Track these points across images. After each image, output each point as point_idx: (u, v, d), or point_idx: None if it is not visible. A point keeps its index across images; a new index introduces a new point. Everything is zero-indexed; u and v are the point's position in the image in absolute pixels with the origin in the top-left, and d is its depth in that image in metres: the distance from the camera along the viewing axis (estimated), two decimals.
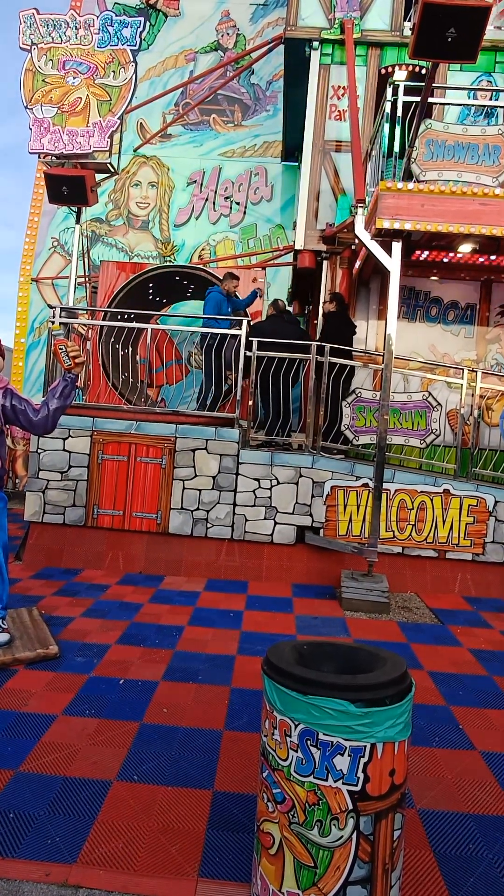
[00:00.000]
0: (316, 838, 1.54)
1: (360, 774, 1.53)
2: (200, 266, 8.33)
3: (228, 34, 10.33)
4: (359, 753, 1.53)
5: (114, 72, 5.91)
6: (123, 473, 5.40)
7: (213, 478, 5.32)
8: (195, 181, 10.13)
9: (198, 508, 5.32)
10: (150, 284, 7.48)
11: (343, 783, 1.53)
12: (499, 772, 2.41)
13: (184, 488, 5.35)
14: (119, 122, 5.85)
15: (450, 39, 3.76)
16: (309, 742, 1.55)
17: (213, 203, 10.08)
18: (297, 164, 9.16)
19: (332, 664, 1.84)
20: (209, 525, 5.29)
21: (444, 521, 5.12)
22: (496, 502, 5.10)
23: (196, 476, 5.34)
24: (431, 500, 5.14)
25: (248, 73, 10.05)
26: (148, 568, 5.32)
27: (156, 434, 5.38)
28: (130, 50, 5.92)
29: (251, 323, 5.77)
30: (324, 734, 1.54)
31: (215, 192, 10.06)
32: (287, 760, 1.59)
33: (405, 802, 1.65)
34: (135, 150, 9.98)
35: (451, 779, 2.37)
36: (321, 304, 6.68)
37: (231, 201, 9.84)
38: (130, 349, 6.86)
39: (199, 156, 10.19)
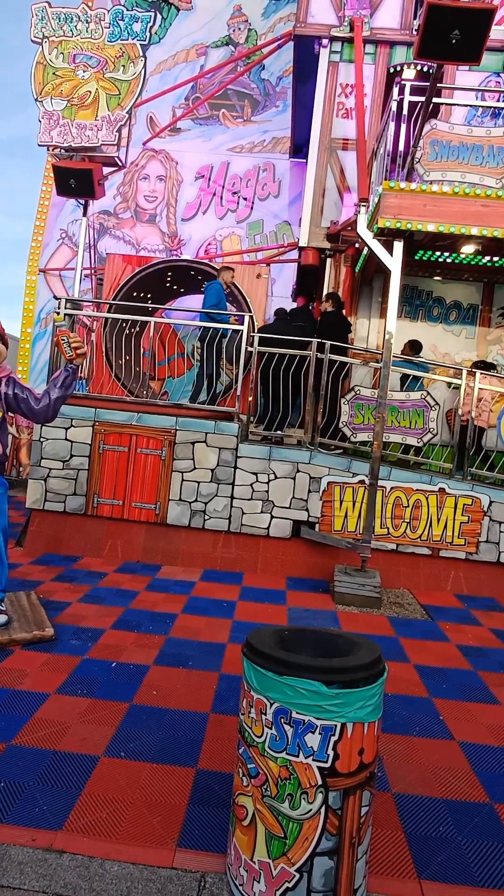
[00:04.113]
0: (287, 811, 1.62)
1: (330, 752, 1.60)
2: (205, 261, 8.39)
3: (240, 29, 10.33)
4: (329, 732, 1.61)
5: (123, 66, 5.96)
6: (124, 464, 5.49)
7: (212, 470, 5.39)
8: (203, 176, 10.17)
9: (196, 500, 5.40)
10: (169, 274, 7.54)
11: (314, 760, 1.61)
12: (474, 761, 2.49)
13: (183, 480, 5.43)
14: (127, 116, 5.90)
15: (454, 41, 3.80)
16: (283, 720, 1.63)
17: (221, 198, 10.12)
18: (305, 160, 9.18)
19: (312, 649, 1.92)
20: (207, 517, 5.37)
21: (438, 520, 5.18)
22: (491, 502, 5.15)
23: (195, 468, 5.42)
24: (427, 498, 5.19)
25: (259, 69, 10.06)
26: (145, 557, 5.42)
27: (157, 426, 5.46)
28: (140, 45, 5.97)
29: (259, 327, 5.86)
30: (297, 713, 1.61)
31: (223, 187, 10.10)
32: (262, 737, 1.67)
33: (374, 781, 1.72)
34: (144, 144, 10.02)
35: (427, 766, 2.44)
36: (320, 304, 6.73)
37: (238, 197, 9.88)
38: (134, 341, 6.94)
39: (208, 150, 10.22)
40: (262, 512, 5.34)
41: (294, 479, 5.32)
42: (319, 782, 1.60)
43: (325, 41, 6.82)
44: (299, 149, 9.53)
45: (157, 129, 10.02)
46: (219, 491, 5.38)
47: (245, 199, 9.98)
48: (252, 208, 10.04)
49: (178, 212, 10.17)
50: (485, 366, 6.06)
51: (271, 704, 1.65)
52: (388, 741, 2.56)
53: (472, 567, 5.15)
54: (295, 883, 1.61)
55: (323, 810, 1.60)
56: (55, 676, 2.99)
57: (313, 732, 1.61)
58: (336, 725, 1.61)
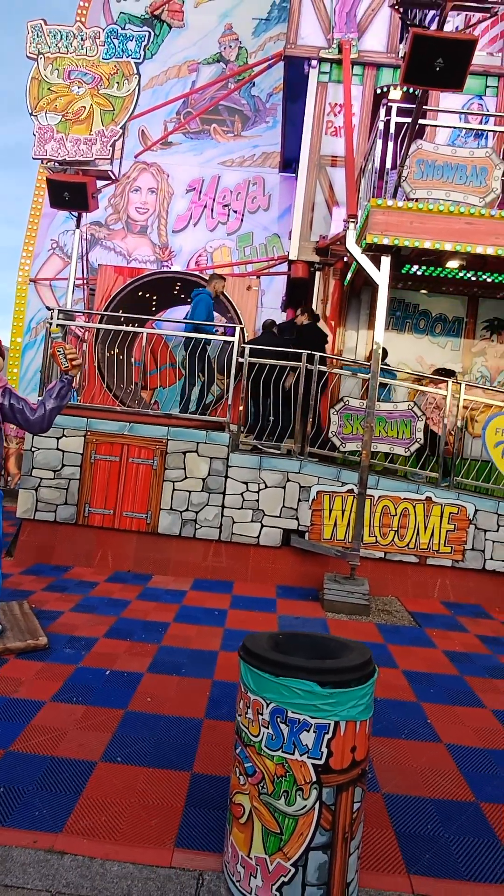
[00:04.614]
0: (282, 807, 1.68)
1: (324, 749, 1.68)
2: (196, 273, 8.50)
3: (231, 46, 10.56)
4: (323, 730, 1.68)
5: (118, 83, 6.08)
6: (115, 473, 5.53)
7: (203, 480, 5.46)
8: (194, 188, 10.32)
9: (187, 509, 5.46)
10: (177, 284, 7.61)
11: (308, 757, 1.68)
12: (461, 762, 2.57)
13: (174, 489, 5.48)
14: (121, 131, 6.02)
15: (438, 69, 3.97)
16: (279, 719, 1.70)
17: (212, 210, 10.27)
18: (294, 175, 9.38)
19: (305, 652, 1.99)
20: (198, 526, 5.42)
21: (425, 528, 5.29)
22: (476, 511, 5.28)
23: (186, 478, 5.48)
24: (414, 506, 5.31)
25: (249, 86, 10.28)
26: (136, 566, 5.45)
27: (148, 436, 5.51)
28: (134, 62, 6.10)
29: (247, 340, 5.96)
30: (292, 712, 1.69)
31: (214, 200, 10.26)
32: (258, 736, 1.74)
33: (366, 778, 1.80)
34: (136, 157, 10.15)
35: (416, 768, 2.52)
36: (296, 317, 6.84)
37: (229, 209, 10.04)
38: (126, 352, 7.01)
39: (199, 164, 10.39)
40: (252, 521, 5.41)
41: (284, 488, 5.41)
42: (314, 779, 1.67)
43: (314, 62, 7.03)
44: (289, 164, 9.74)
45: (149, 142, 10.17)
46: (210, 500, 5.45)
47: (235, 211, 10.15)
48: (242, 221, 10.21)
49: (170, 224, 10.30)
50: (445, 373, 6.21)
51: (268, 705, 1.72)
52: (378, 744, 2.63)
53: (459, 574, 5.26)
54: (291, 877, 1.67)
55: (317, 806, 1.67)
56: (50, 684, 3.02)
57: (308, 731, 1.68)
58: (330, 724, 1.68)
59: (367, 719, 1.77)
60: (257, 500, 5.40)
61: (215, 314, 7.54)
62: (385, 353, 6.44)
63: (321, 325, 6.72)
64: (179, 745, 2.57)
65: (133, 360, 7.64)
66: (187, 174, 10.32)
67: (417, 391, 6.20)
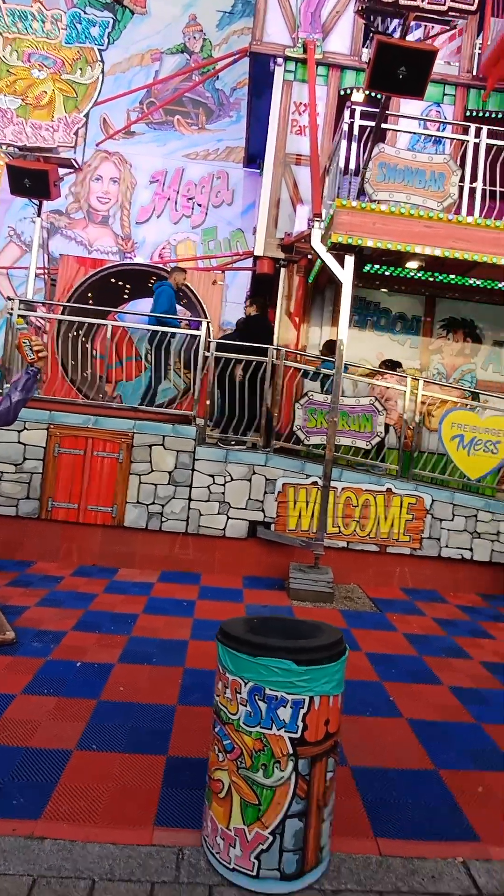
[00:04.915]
0: (260, 780, 1.77)
1: (300, 723, 1.78)
2: (160, 265, 8.44)
3: (195, 38, 10.46)
4: (299, 705, 1.78)
5: (80, 69, 5.97)
6: (79, 467, 5.47)
7: (170, 473, 5.48)
8: (157, 180, 10.20)
9: (153, 503, 5.47)
10: (113, 280, 7.53)
11: (285, 731, 1.77)
12: (421, 734, 2.74)
13: (140, 483, 5.48)
14: (85, 119, 5.91)
15: (401, 76, 4.12)
16: (257, 697, 1.79)
17: (175, 203, 10.19)
18: (258, 170, 9.43)
19: (279, 634, 2.08)
20: (164, 519, 5.44)
21: (386, 518, 5.51)
22: (433, 501, 5.54)
23: (153, 471, 5.48)
24: (375, 498, 5.51)
25: (213, 79, 10.22)
26: (102, 560, 5.42)
27: (114, 429, 5.48)
28: (98, 49, 5.99)
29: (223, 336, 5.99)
30: (270, 689, 1.78)
31: (178, 193, 10.18)
32: (237, 714, 1.82)
33: (338, 749, 1.91)
34: (97, 145, 9.93)
35: (380, 741, 2.67)
36: (244, 308, 6.92)
37: (193, 203, 9.99)
38: (89, 344, 6.90)
39: (163, 155, 10.27)
40: (219, 513, 5.47)
41: (250, 480, 5.49)
42: (290, 751, 1.77)
43: (279, 60, 7.09)
44: (253, 159, 9.78)
45: (112, 130, 9.96)
46: (176, 493, 5.47)
47: (200, 205, 10.11)
48: (206, 215, 10.18)
49: (133, 215, 10.14)
50: (391, 364, 6.43)
51: (246, 684, 1.81)
52: (345, 721, 2.74)
53: (417, 562, 5.51)
54: (269, 845, 1.76)
55: (293, 777, 1.77)
56: (20, 678, 3.00)
57: (285, 706, 1.77)
58: (305, 699, 1.78)
59: (339, 694, 1.88)
60: (224, 493, 5.47)
61: (181, 308, 7.54)
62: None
63: (286, 320, 6.83)
64: (154, 731, 2.62)
65: (96, 352, 7.52)
66: (151, 165, 10.18)
67: (370, 385, 6.39)
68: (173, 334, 5.94)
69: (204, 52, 10.44)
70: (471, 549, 5.51)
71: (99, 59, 5.97)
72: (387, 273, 6.54)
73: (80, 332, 6.57)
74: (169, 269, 6.76)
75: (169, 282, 6.40)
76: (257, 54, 7.08)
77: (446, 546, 5.50)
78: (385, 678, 3.33)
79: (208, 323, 5.88)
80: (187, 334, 6.07)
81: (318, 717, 1.80)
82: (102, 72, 6.01)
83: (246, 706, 1.80)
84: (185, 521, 5.44)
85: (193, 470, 5.48)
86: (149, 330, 6.13)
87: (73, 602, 4.30)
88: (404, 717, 2.89)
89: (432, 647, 3.88)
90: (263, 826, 1.77)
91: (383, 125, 5.57)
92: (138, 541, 5.48)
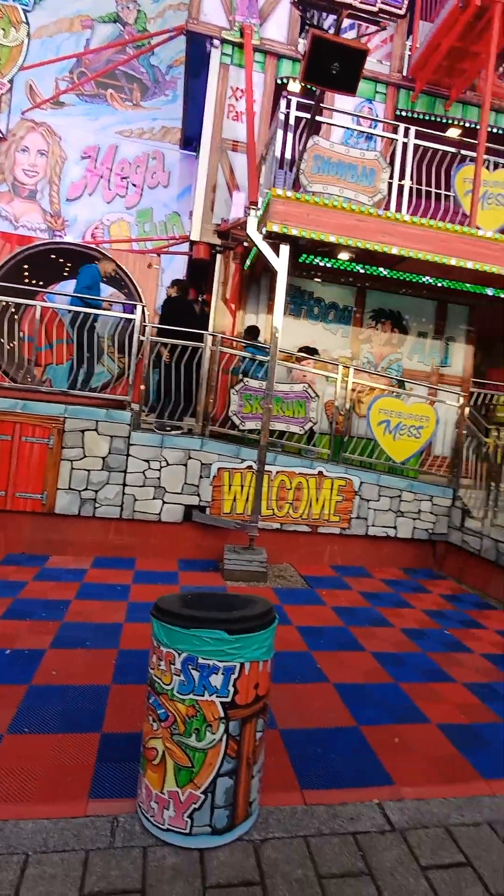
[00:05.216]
0: (193, 743, 1.86)
1: (231, 688, 1.88)
2: (93, 245, 8.17)
3: (129, 8, 10.08)
4: (231, 672, 1.88)
5: (3, 29, 5.61)
6: (6, 453, 5.25)
7: (103, 459, 5.39)
8: (89, 156, 9.80)
9: (86, 489, 5.37)
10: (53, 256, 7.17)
11: (217, 696, 1.87)
12: (345, 696, 2.94)
13: (72, 468, 5.35)
14: (9, 84, 5.57)
15: (335, 72, 4.24)
16: (190, 666, 1.87)
17: (109, 181, 9.85)
18: (195, 153, 9.31)
19: (213, 608, 2.17)
20: (97, 505, 5.36)
21: (317, 500, 5.74)
22: (361, 483, 5.83)
23: (85, 456, 5.37)
24: (308, 481, 5.72)
25: (149, 55, 9.92)
26: (32, 548, 5.26)
27: (44, 414, 5.30)
28: (22, 9, 5.65)
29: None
30: (202, 658, 1.86)
31: (111, 171, 9.84)
32: (171, 685, 1.89)
33: (267, 710, 2.03)
34: (23, 113, 9.37)
35: (308, 705, 2.84)
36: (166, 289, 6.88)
37: (128, 182, 9.70)
38: (16, 325, 6.58)
39: (95, 130, 9.87)
40: (154, 498, 5.47)
41: (186, 465, 5.53)
42: (222, 715, 1.87)
43: (216, 42, 7.01)
44: (189, 141, 9.63)
45: (39, 99, 9.43)
46: (110, 479, 5.40)
47: (134, 185, 9.83)
48: (142, 196, 9.93)
49: (63, 191, 9.70)
50: (308, 350, 6.68)
51: (180, 655, 1.88)
52: (275, 689, 2.91)
53: (345, 541, 5.80)
54: (201, 803, 1.86)
55: (224, 738, 1.87)
56: None
57: (217, 673, 1.87)
58: (236, 665, 1.88)
59: (268, 659, 2.00)
60: (159, 478, 5.47)
61: (115, 290, 7.35)
62: (257, 331, 6.79)
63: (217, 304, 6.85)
64: (88, 710, 2.64)
65: (23, 334, 7.19)
66: (82, 140, 9.76)
67: (291, 369, 6.59)
68: (99, 315, 5.78)
69: (138, 24, 10.10)
70: (395, 528, 5.88)
71: (24, 20, 5.62)
72: (321, 263, 6.73)
73: (7, 312, 6.24)
74: (99, 256, 6.56)
75: (97, 266, 6.20)
76: (193, 34, 6.97)
77: (373, 525, 5.82)
78: (314, 648, 3.52)
79: (143, 307, 5.79)
80: (121, 318, 5.95)
81: (249, 681, 1.91)
82: (28, 35, 5.66)
83: (179, 676, 1.88)
84: (120, 507, 5.40)
85: (128, 455, 5.43)
86: (70, 311, 5.91)
87: (1, 590, 4.17)
88: (331, 682, 3.08)
89: (358, 618, 4.13)
90: (196, 786, 1.86)
91: (318, 118, 5.70)
92: (70, 527, 5.37)
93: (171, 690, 1.89)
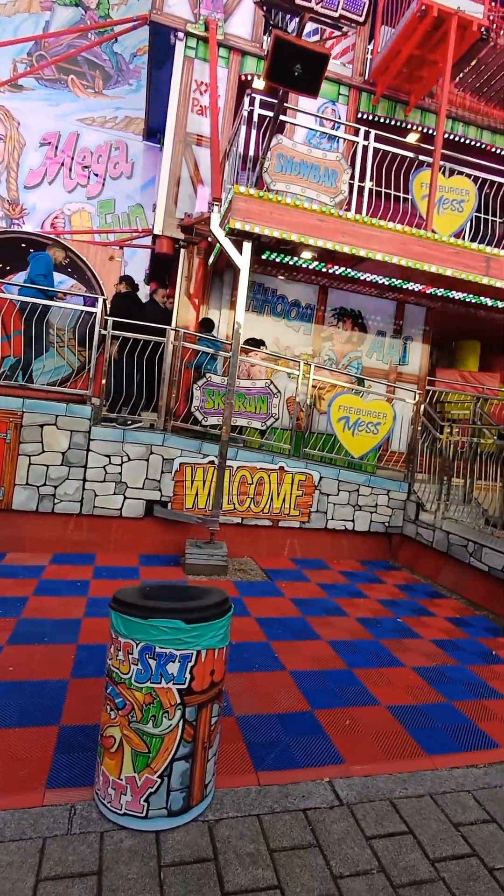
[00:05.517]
0: (150, 730, 1.91)
1: (188, 675, 1.94)
2: (52, 235, 7.98)
3: None
4: (187, 659, 1.94)
5: None
6: None
7: (63, 454, 5.33)
8: (49, 143, 9.56)
9: (45, 484, 5.29)
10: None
11: (173, 684, 1.92)
12: (300, 682, 3.05)
13: (30, 464, 5.26)
14: None
15: (297, 73, 4.31)
16: (147, 656, 1.92)
17: (70, 170, 9.64)
18: (159, 145, 9.22)
19: (171, 599, 2.22)
20: (57, 500, 5.30)
21: (278, 494, 5.85)
22: (321, 478, 5.98)
23: (44, 451, 5.29)
24: (269, 475, 5.82)
25: (112, 42, 9.74)
26: None
27: (0, 407, 5.19)
28: None
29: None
30: (160, 647, 1.91)
31: (72, 159, 9.63)
32: (128, 674, 1.94)
33: (223, 696, 2.11)
34: None
35: (264, 692, 2.93)
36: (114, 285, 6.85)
37: (89, 171, 9.52)
38: None
39: (55, 116, 9.63)
40: (115, 493, 5.45)
41: (147, 460, 5.52)
42: (178, 701, 1.93)
43: (180, 34, 6.97)
44: (153, 132, 9.52)
45: None
46: (70, 474, 5.35)
47: (96, 175, 9.66)
48: (104, 186, 9.76)
49: (21, 178, 9.43)
50: (255, 342, 6.78)
51: (137, 644, 1.93)
52: (233, 677, 3.00)
53: (305, 534, 5.94)
54: (157, 787, 1.92)
55: (181, 724, 1.94)
56: None
57: (174, 662, 1.92)
58: (193, 653, 1.95)
59: (224, 647, 2.07)
60: (120, 473, 5.45)
61: (76, 282, 7.22)
62: (212, 324, 6.83)
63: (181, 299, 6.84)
64: (46, 705, 2.65)
65: None
66: (41, 125, 9.50)
67: (274, 370, 6.70)
68: (51, 306, 5.66)
69: (101, 10, 9.89)
70: (353, 521, 6.06)
71: None
72: (284, 261, 6.82)
73: None
74: (49, 242, 6.41)
75: (47, 253, 6.04)
76: (157, 24, 6.90)
77: (332, 519, 5.98)
78: (272, 638, 3.62)
79: (105, 300, 5.73)
80: (82, 311, 5.86)
81: (205, 668, 1.98)
82: None
83: (137, 665, 1.92)
84: (80, 503, 5.35)
85: (88, 450, 5.38)
86: (32, 302, 5.78)
87: None
88: (287, 670, 3.19)
89: (315, 609, 4.26)
90: (152, 771, 1.91)
91: (282, 117, 5.77)
92: (28, 524, 5.29)
93: (128, 679, 1.93)
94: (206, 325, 6.80)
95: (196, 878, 1.73)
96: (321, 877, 1.77)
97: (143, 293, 7.63)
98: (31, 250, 6.90)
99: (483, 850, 1.96)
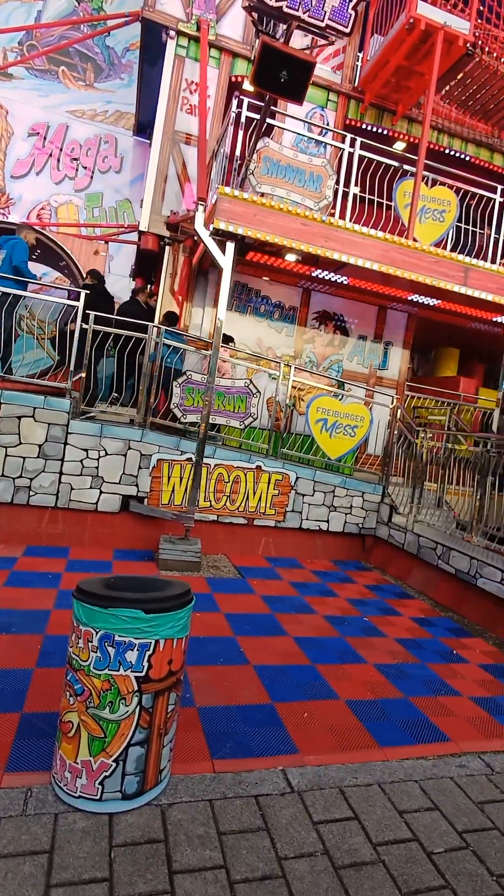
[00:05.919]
0: (107, 715, 1.97)
1: (146, 663, 2.00)
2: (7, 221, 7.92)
3: None
4: (145, 648, 2.00)
5: None
6: None
7: (40, 446, 5.33)
8: (38, 133, 9.50)
9: (20, 476, 5.29)
10: None
11: (131, 671, 1.98)
12: (263, 676, 3.13)
13: (6, 455, 5.26)
14: None
15: (283, 80, 4.38)
16: (107, 643, 1.97)
17: (58, 161, 9.59)
18: (148, 141, 9.22)
19: (133, 590, 2.27)
20: (32, 493, 5.30)
21: (254, 493, 5.92)
22: (297, 478, 6.07)
23: (21, 443, 5.29)
24: (245, 474, 5.89)
25: (104, 35, 9.72)
26: None
27: None
28: None
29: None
30: (119, 636, 1.97)
31: (61, 151, 9.58)
32: (88, 661, 1.99)
33: (181, 685, 2.17)
34: None
35: (227, 685, 3.00)
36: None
37: (78, 164, 9.48)
38: None
39: (44, 107, 9.57)
40: (91, 487, 5.46)
41: (125, 455, 5.55)
42: (135, 688, 1.99)
43: (172, 32, 7.00)
44: (143, 128, 9.53)
45: None
46: (46, 467, 5.35)
47: (85, 168, 9.63)
48: (92, 179, 9.74)
49: (8, 167, 9.36)
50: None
51: (97, 633, 1.98)
52: (197, 670, 3.06)
53: (280, 533, 6.02)
54: (112, 771, 1.97)
55: (137, 710, 1.99)
56: None
57: (132, 650, 1.98)
58: (151, 642, 2.00)
59: (183, 637, 2.13)
60: (97, 467, 5.47)
61: (60, 275, 7.21)
62: (175, 317, 6.84)
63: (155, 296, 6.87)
64: (9, 693, 2.68)
65: None
66: (30, 115, 9.44)
67: (255, 370, 6.77)
68: (29, 293, 5.64)
69: (94, 2, 9.85)
70: (327, 521, 6.16)
71: None
72: (268, 262, 6.89)
73: None
74: (18, 225, 6.33)
75: (20, 237, 5.99)
76: (149, 21, 6.92)
77: (307, 519, 6.08)
78: (239, 633, 3.69)
79: (87, 294, 5.74)
80: (64, 304, 5.86)
81: (163, 657, 2.04)
82: None
83: (96, 652, 1.98)
84: (55, 495, 5.36)
85: (66, 444, 5.39)
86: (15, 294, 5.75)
87: None
88: (251, 664, 3.26)
89: (285, 606, 4.34)
90: (108, 755, 1.97)
91: (269, 120, 5.84)
92: (3, 515, 5.28)
93: (87, 666, 1.99)
94: (170, 318, 6.74)
95: (145, 857, 1.79)
96: (266, 858, 1.84)
97: (124, 287, 7.63)
98: None
99: (423, 836, 2.05)
